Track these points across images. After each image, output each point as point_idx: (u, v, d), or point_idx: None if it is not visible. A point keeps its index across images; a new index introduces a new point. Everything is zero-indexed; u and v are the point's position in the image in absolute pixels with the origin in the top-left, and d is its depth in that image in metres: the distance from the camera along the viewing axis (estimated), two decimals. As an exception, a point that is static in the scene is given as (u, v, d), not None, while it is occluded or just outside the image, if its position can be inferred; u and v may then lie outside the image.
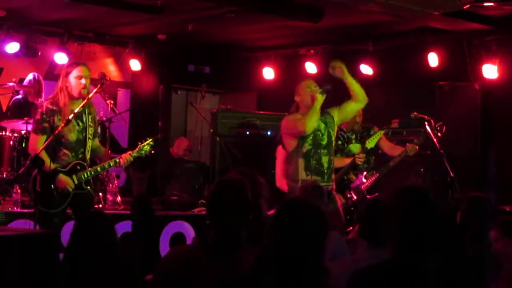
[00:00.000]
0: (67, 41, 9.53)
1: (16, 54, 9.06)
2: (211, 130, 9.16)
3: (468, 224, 4.09)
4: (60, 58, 9.41)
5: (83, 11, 8.40)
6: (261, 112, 9.86)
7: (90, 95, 5.60)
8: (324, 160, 6.14)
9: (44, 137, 5.61)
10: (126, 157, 5.83)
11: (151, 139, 6.01)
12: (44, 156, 5.52)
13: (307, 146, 6.11)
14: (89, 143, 5.78)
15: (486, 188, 7.87)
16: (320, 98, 6.04)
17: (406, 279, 2.87)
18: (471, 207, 4.20)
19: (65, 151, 5.67)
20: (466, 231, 4.05)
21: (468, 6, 7.08)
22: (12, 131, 8.01)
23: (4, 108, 9.13)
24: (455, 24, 8.23)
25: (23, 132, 7.96)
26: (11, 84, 8.47)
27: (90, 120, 5.78)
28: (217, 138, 8.93)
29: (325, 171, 6.15)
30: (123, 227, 6.54)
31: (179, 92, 11.25)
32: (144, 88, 10.88)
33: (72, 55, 9.49)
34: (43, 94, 8.75)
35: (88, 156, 5.80)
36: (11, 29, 8.92)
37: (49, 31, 9.45)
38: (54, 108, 5.64)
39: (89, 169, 5.75)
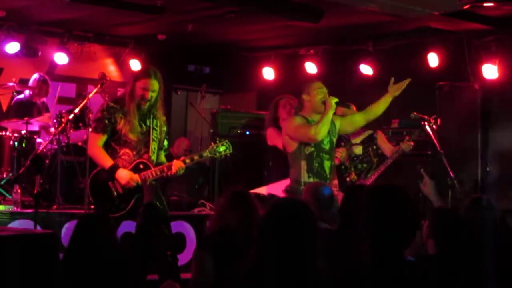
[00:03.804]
0: (67, 41, 9.53)
1: (16, 54, 9.06)
2: (211, 130, 9.16)
3: (467, 225, 4.09)
4: (60, 58, 9.41)
5: (83, 11, 8.40)
6: (261, 112, 9.84)
7: (90, 95, 5.59)
8: (326, 164, 6.03)
9: (105, 136, 5.42)
10: (178, 164, 5.44)
11: (226, 140, 5.74)
12: (104, 155, 5.38)
13: (309, 149, 6.00)
14: (154, 145, 5.54)
15: (486, 188, 7.87)
16: (334, 107, 5.92)
17: None
18: (471, 208, 4.20)
19: (126, 150, 5.45)
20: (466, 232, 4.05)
21: (468, 6, 7.09)
22: (12, 131, 8.01)
23: (4, 108, 9.12)
24: (455, 24, 8.22)
25: (23, 132, 7.96)
26: (11, 84, 8.47)
27: (154, 123, 5.59)
28: (217, 138, 8.90)
29: (328, 176, 6.04)
30: (125, 227, 6.50)
31: (179, 92, 11.23)
32: (144, 88, 10.86)
33: (72, 55, 9.50)
34: (49, 94, 8.74)
35: (153, 157, 5.53)
36: (11, 29, 8.92)
37: (49, 31, 9.46)
38: (117, 106, 5.47)
39: (154, 169, 5.46)
